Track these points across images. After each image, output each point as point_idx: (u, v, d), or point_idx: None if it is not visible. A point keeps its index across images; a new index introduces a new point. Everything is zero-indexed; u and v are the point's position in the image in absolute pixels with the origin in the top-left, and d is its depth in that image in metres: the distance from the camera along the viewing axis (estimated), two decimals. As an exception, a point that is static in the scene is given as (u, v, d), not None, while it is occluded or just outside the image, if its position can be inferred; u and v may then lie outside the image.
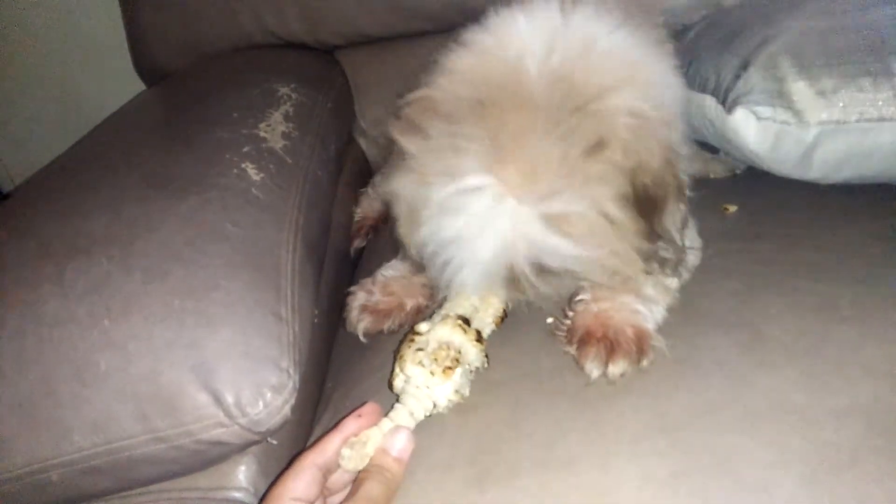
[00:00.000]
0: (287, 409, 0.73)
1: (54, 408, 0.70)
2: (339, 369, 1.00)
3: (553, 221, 0.71)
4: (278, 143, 1.06)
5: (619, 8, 0.90)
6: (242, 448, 0.76)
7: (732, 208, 1.07)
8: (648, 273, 0.82)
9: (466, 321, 0.80)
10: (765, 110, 0.94)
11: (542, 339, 0.87)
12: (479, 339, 0.80)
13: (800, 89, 0.92)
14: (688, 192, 0.87)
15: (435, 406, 0.75)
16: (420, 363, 0.75)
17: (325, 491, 0.70)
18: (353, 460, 0.68)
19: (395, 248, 0.95)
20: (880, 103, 0.90)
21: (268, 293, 0.79)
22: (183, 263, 0.77)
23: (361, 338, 0.94)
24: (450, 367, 0.75)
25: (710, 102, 1.06)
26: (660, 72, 0.89)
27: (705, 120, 1.11)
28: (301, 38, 1.55)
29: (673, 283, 0.88)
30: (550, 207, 0.71)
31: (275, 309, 0.78)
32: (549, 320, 0.89)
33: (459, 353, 0.77)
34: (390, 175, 0.83)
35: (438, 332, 0.78)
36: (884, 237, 0.92)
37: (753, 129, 0.96)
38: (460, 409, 0.80)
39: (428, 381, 0.75)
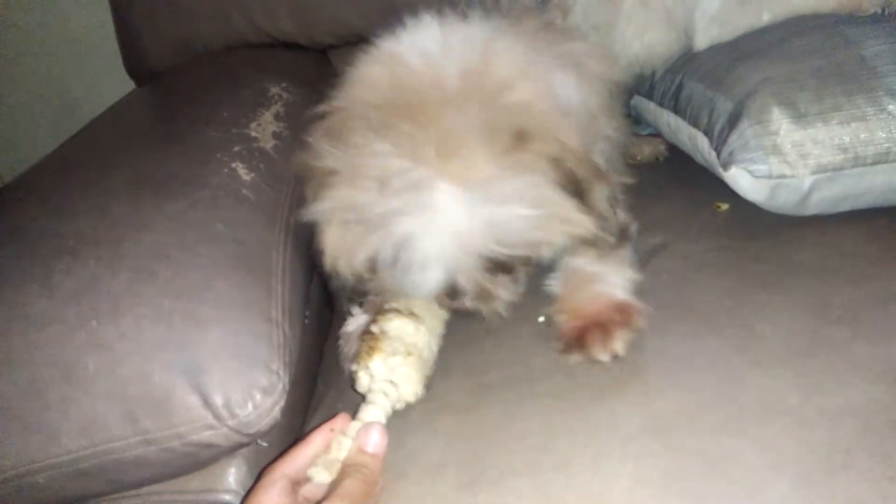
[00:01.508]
0: (277, 411, 0.72)
1: (41, 410, 0.69)
2: (330, 371, 0.99)
3: (503, 199, 0.72)
4: (269, 143, 1.05)
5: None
6: (232, 450, 0.76)
7: (724, 206, 1.07)
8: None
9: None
10: (760, 168, 0.94)
11: (532, 342, 0.87)
12: (395, 310, 0.81)
13: (794, 141, 0.92)
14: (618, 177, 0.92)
15: (394, 383, 0.76)
16: (356, 374, 0.77)
17: (303, 501, 0.70)
18: (321, 472, 0.68)
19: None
20: (875, 147, 0.90)
21: (258, 294, 0.79)
22: (172, 264, 0.76)
23: None
24: (371, 348, 0.77)
25: (703, 144, 1.07)
26: (554, 70, 0.90)
27: (697, 152, 1.11)
28: (293, 38, 1.54)
29: (626, 254, 0.90)
30: (497, 189, 0.72)
31: (265, 310, 0.78)
32: (541, 319, 0.89)
33: (372, 334, 0.79)
34: (312, 203, 0.79)
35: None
36: (877, 237, 0.92)
37: (749, 184, 0.96)
38: (451, 411, 0.79)
39: (369, 374, 0.76)
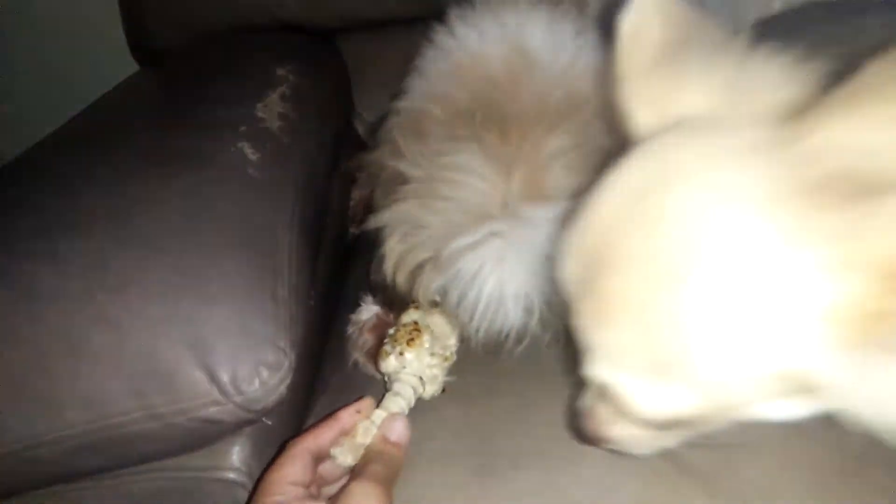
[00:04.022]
0: (283, 388, 0.72)
1: (46, 383, 0.70)
2: (336, 355, 0.98)
3: None
4: (275, 124, 1.05)
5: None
6: (238, 427, 0.76)
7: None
8: None
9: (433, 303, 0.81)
10: None
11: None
12: (436, 304, 0.80)
13: None
14: None
15: (423, 381, 0.76)
16: (387, 354, 0.77)
17: (319, 480, 0.70)
18: (345, 454, 0.69)
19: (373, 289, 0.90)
20: None
21: (265, 272, 0.78)
22: (179, 240, 0.76)
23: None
24: (412, 339, 0.76)
25: None
26: None
27: None
28: (299, 21, 1.53)
29: None
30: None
31: (272, 288, 0.77)
32: None
33: (416, 324, 0.78)
34: (381, 206, 0.78)
35: (399, 322, 0.81)
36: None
37: None
38: (461, 399, 0.79)
39: (402, 362, 0.76)
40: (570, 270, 0.49)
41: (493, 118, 0.73)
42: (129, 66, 1.60)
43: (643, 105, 0.50)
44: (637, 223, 0.45)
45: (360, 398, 0.75)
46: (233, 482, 0.79)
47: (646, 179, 0.46)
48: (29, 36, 1.99)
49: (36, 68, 2.04)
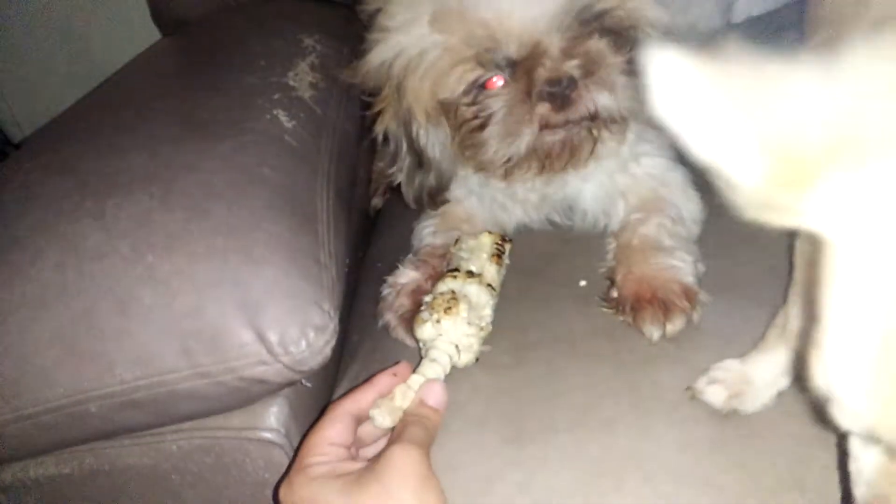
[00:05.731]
0: (328, 350, 0.74)
1: (97, 340, 0.71)
2: (365, 322, 1.00)
3: None
4: (307, 93, 1.05)
5: None
6: (281, 387, 0.77)
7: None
8: None
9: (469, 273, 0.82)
10: None
11: (574, 303, 0.87)
12: (471, 274, 0.81)
13: None
14: None
15: (458, 349, 0.77)
16: (423, 321, 0.77)
17: (357, 441, 0.72)
18: (384, 416, 0.69)
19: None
20: None
21: (307, 237, 0.80)
22: (225, 203, 0.77)
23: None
24: (450, 308, 0.76)
25: None
26: None
27: None
28: (321, -11, 1.52)
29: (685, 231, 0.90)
30: None
31: (314, 253, 0.79)
32: (582, 283, 0.89)
33: (454, 293, 0.79)
34: None
35: (435, 290, 0.81)
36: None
37: None
38: (493, 368, 0.80)
39: (438, 330, 0.76)
40: None
41: None
42: (152, 33, 1.59)
43: None
44: None
45: (396, 363, 0.76)
46: (269, 442, 0.81)
47: None
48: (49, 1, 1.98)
49: (56, 35, 2.03)
